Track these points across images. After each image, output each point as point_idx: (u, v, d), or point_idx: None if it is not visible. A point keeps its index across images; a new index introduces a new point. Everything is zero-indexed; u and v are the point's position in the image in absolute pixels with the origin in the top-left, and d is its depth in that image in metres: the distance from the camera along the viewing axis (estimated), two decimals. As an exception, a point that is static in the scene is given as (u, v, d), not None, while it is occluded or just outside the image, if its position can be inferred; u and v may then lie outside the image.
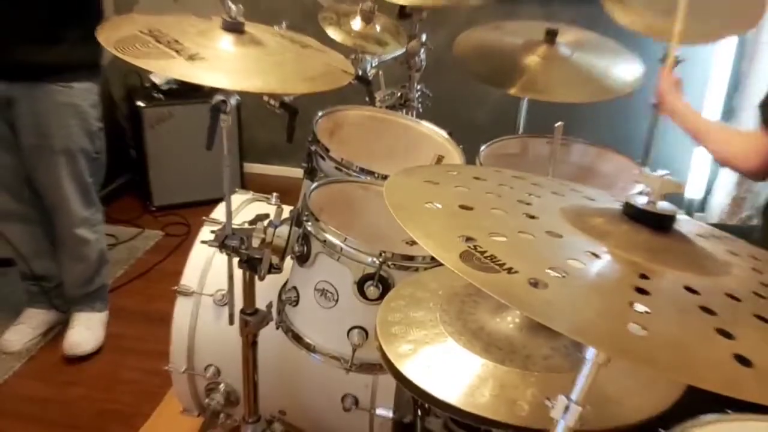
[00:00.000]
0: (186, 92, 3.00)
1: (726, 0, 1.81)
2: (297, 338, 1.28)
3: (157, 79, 3.03)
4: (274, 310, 1.36)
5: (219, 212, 1.56)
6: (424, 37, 2.04)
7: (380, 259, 1.15)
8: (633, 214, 0.70)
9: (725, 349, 0.53)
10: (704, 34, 1.86)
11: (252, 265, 1.26)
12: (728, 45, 2.85)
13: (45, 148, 1.95)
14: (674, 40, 1.71)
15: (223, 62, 1.13)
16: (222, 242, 1.26)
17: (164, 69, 1.06)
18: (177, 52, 1.08)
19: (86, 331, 2.19)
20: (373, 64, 1.88)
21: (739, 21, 1.85)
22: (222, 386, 1.57)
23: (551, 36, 1.87)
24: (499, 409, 0.78)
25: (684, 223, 0.72)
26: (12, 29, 1.81)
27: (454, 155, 1.59)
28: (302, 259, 1.25)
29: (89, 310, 2.23)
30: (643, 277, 0.61)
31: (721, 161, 1.64)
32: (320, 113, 1.59)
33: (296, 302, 1.28)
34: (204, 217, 1.53)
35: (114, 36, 1.09)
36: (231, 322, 1.38)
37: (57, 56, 1.88)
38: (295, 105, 1.41)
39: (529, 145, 1.83)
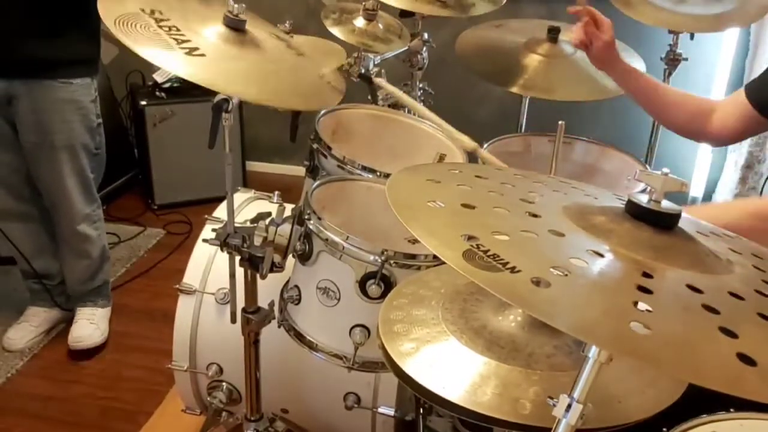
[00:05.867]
0: (188, 91, 3.00)
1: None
2: (299, 337, 1.28)
3: (159, 78, 3.03)
4: (276, 309, 1.36)
5: (221, 211, 1.56)
6: (426, 36, 2.04)
7: (382, 258, 1.15)
8: (636, 212, 0.70)
9: (729, 347, 0.53)
10: (708, 24, 1.86)
11: (254, 264, 1.26)
12: (732, 42, 2.84)
13: (47, 145, 1.94)
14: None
15: (222, 62, 1.11)
16: (224, 241, 1.26)
17: (162, 61, 1.03)
18: (177, 42, 1.06)
19: (90, 325, 2.20)
20: (376, 63, 1.88)
21: (744, 13, 1.85)
22: (224, 384, 1.57)
23: (553, 34, 1.87)
24: (501, 407, 0.78)
25: (687, 222, 0.72)
26: (11, 26, 1.81)
27: (456, 154, 1.58)
28: (304, 257, 1.25)
29: (92, 305, 2.23)
30: (646, 275, 0.61)
31: (676, 129, 1.55)
32: (322, 111, 1.58)
33: (298, 301, 1.28)
34: (206, 216, 1.53)
35: (114, 10, 1.06)
36: (233, 320, 1.38)
37: (57, 52, 1.87)
38: (297, 103, 1.41)
39: (532, 144, 1.83)
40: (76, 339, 2.16)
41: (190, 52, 1.06)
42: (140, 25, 1.06)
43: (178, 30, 1.08)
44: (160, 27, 1.07)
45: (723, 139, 1.51)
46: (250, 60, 1.15)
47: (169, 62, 1.04)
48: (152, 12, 1.10)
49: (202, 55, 1.07)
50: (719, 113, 1.48)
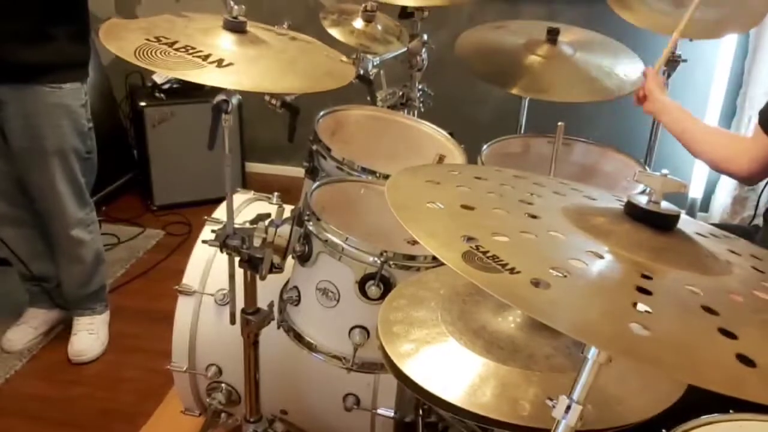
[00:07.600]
0: (188, 92, 2.99)
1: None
2: (298, 338, 1.28)
3: (158, 79, 3.03)
4: (275, 310, 1.36)
5: (220, 212, 1.56)
6: (425, 37, 2.04)
7: (382, 259, 1.15)
8: (635, 213, 0.70)
9: (728, 349, 0.53)
10: (707, 30, 1.86)
11: (253, 265, 1.26)
12: (731, 44, 2.84)
13: (37, 150, 1.93)
14: (671, 43, 1.71)
15: (251, 65, 1.11)
16: (223, 242, 1.26)
17: (205, 79, 1.03)
18: (202, 59, 1.05)
19: (90, 336, 2.19)
20: (375, 64, 1.88)
21: (743, 18, 1.85)
22: (223, 386, 1.57)
23: (553, 35, 1.87)
24: (500, 408, 0.78)
25: (686, 223, 0.72)
26: (0, 30, 1.80)
27: (456, 155, 1.58)
28: (303, 258, 1.25)
29: (90, 314, 2.22)
30: (646, 276, 0.61)
31: (711, 164, 1.59)
32: (322, 113, 1.58)
33: (298, 302, 1.28)
34: (205, 217, 1.53)
35: (126, 45, 1.06)
36: (232, 321, 1.38)
37: (45, 57, 1.85)
38: (296, 104, 1.41)
39: (531, 145, 1.83)
40: (77, 353, 2.15)
41: (219, 64, 1.06)
42: (159, 52, 1.05)
43: (193, 48, 1.08)
44: (176, 50, 1.06)
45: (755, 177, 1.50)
46: (269, 56, 1.16)
47: (211, 79, 1.04)
48: (157, 39, 1.08)
49: (231, 63, 1.07)
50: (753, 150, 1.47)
